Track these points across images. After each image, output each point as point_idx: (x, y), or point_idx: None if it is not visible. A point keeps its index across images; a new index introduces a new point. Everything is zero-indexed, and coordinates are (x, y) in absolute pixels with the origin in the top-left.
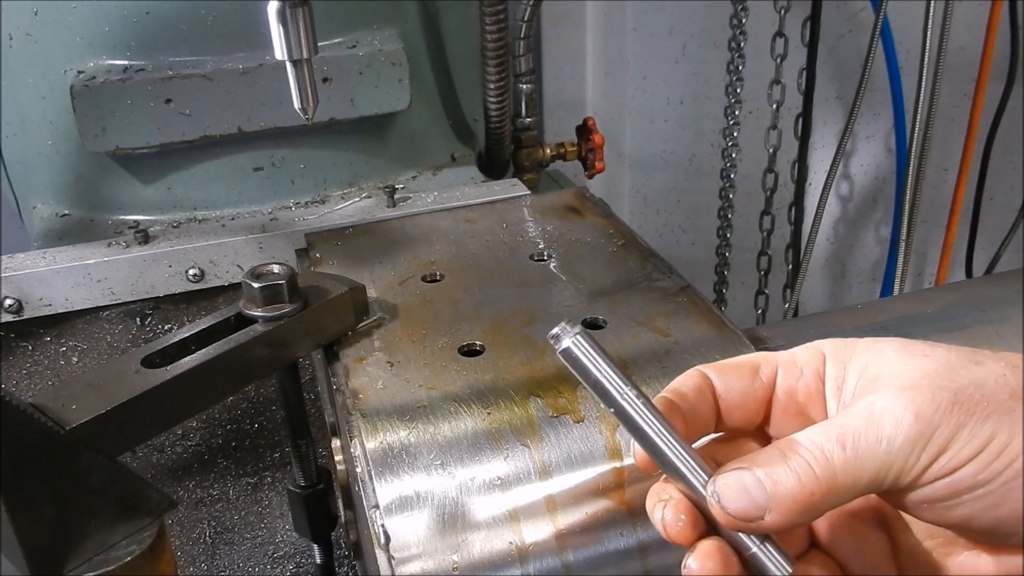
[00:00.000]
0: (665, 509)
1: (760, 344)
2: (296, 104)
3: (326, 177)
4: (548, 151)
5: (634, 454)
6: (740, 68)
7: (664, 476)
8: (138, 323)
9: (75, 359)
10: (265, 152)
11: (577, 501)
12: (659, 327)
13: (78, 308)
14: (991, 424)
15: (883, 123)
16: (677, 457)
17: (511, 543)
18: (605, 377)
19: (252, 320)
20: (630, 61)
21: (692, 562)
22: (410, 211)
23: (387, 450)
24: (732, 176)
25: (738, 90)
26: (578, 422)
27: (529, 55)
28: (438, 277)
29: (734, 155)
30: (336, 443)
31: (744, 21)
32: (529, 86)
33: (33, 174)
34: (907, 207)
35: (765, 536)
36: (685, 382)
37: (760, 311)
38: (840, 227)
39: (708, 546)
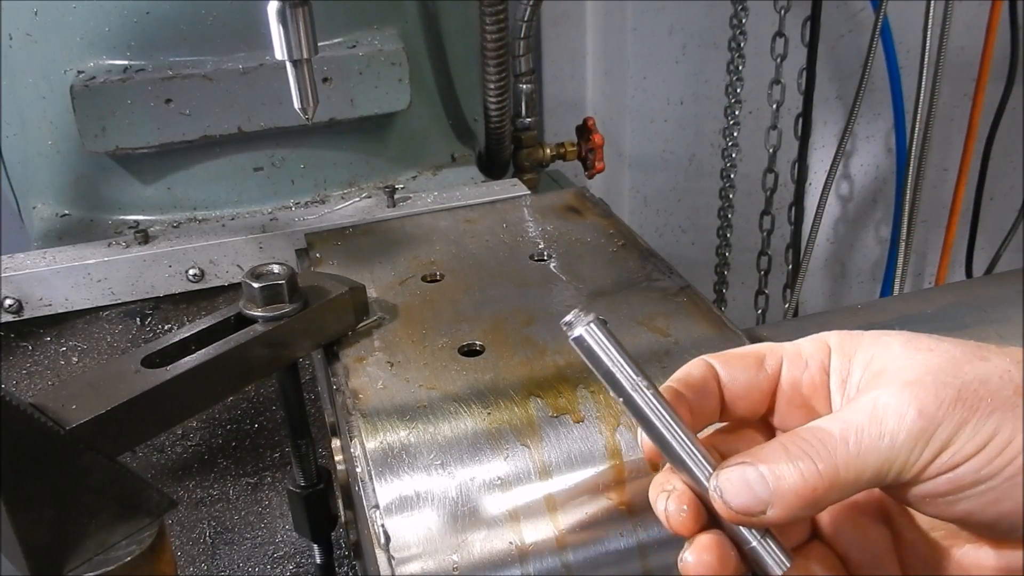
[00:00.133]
0: (668, 500)
1: None
2: (296, 104)
3: (326, 177)
4: (548, 151)
5: (641, 444)
6: (740, 68)
7: (669, 466)
8: (138, 323)
9: (75, 359)
10: (265, 152)
11: (577, 501)
12: (659, 327)
13: (78, 308)
14: (994, 420)
15: (883, 123)
16: (683, 449)
17: (511, 543)
18: (617, 366)
19: (252, 320)
20: (630, 61)
21: (688, 556)
22: (410, 211)
23: (387, 450)
24: (732, 176)
25: (738, 90)
26: (578, 422)
27: (529, 55)
28: (438, 277)
29: (734, 155)
30: (336, 443)
31: (744, 21)
32: (529, 86)
33: (33, 174)
34: (907, 207)
35: (766, 530)
36: (691, 372)
37: (760, 311)
38: (840, 227)
39: (705, 540)
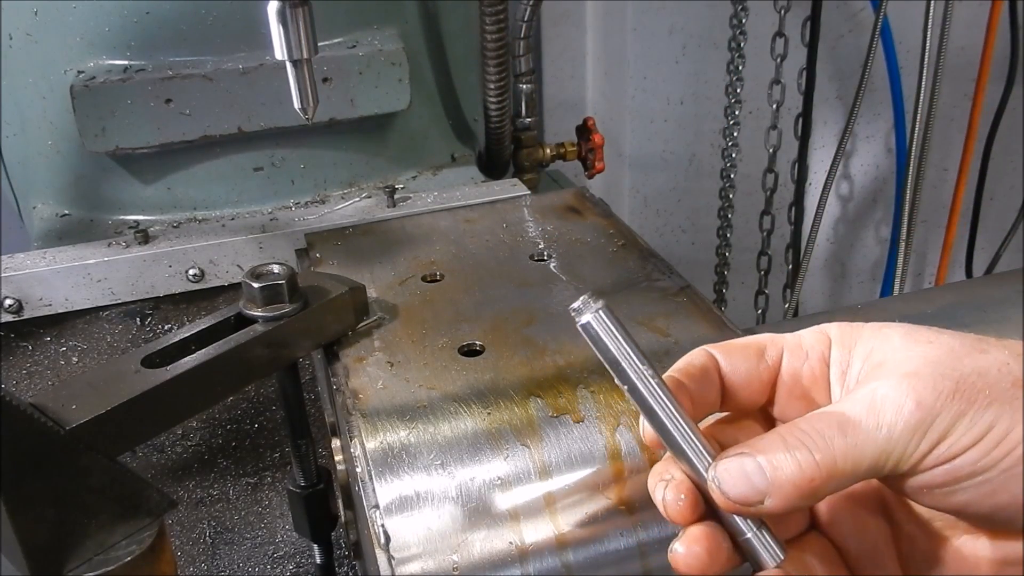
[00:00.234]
0: (667, 488)
1: None
2: (296, 104)
3: (326, 177)
4: (548, 151)
5: (643, 431)
6: (740, 68)
7: (668, 456)
8: (138, 323)
9: (75, 359)
10: (265, 152)
11: (577, 501)
12: (659, 327)
13: (78, 308)
14: (992, 412)
15: (883, 123)
16: (684, 439)
17: (511, 543)
18: (623, 354)
19: (252, 320)
20: (630, 61)
21: (679, 546)
22: (410, 211)
23: (387, 450)
24: (732, 176)
25: (738, 90)
26: (578, 422)
27: (529, 55)
28: (438, 277)
29: (734, 155)
30: (336, 443)
31: (744, 21)
32: (529, 86)
33: (33, 174)
34: (907, 207)
35: (761, 522)
36: (692, 361)
37: (760, 311)
38: (840, 227)
39: (696, 531)
